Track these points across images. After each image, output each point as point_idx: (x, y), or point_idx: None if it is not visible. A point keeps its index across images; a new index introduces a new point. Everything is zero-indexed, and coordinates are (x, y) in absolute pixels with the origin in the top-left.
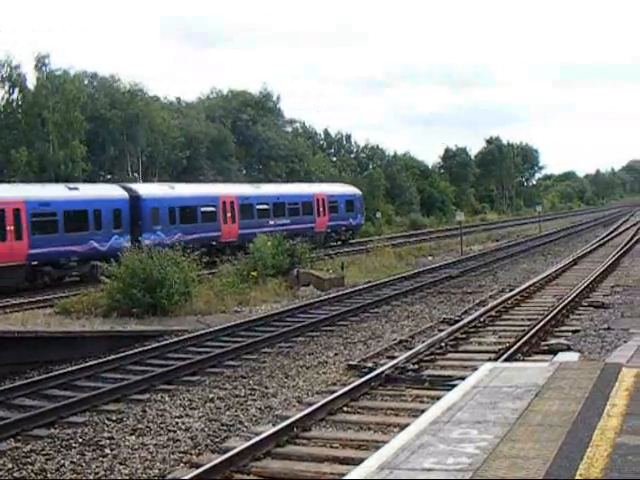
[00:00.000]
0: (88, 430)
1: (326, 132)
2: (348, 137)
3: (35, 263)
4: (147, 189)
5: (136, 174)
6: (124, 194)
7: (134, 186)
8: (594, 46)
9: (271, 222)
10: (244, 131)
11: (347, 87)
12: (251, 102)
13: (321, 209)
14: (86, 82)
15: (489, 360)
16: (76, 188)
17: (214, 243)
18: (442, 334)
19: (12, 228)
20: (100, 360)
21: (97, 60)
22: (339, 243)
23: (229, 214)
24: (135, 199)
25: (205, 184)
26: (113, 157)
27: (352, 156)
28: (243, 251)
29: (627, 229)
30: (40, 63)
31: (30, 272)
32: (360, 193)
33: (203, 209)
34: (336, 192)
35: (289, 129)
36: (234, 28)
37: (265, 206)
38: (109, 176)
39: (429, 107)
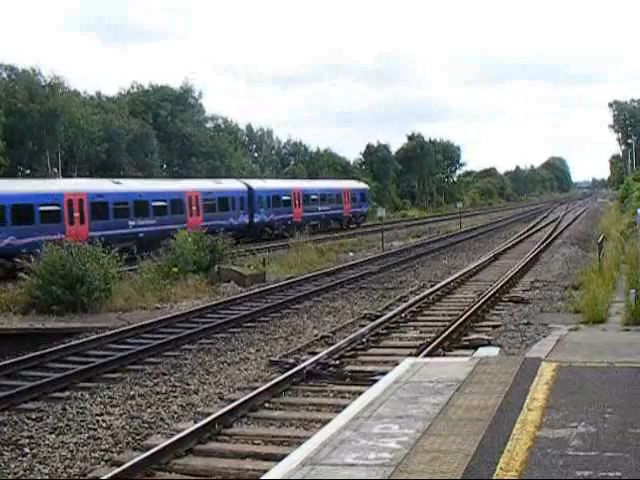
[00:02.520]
0: (7, 429)
1: (249, 128)
2: (269, 133)
3: (205, 231)
4: (256, 183)
5: (55, 169)
6: (244, 187)
7: (247, 181)
8: (514, 44)
9: (319, 208)
10: (164, 127)
11: (269, 84)
12: (171, 97)
13: (347, 199)
14: (4, 75)
15: (410, 355)
16: (220, 182)
17: (289, 222)
18: (363, 330)
19: (195, 208)
20: (19, 358)
21: (16, 53)
22: (355, 225)
23: (297, 201)
24: (250, 189)
25: (282, 180)
26: (32, 152)
27: (273, 152)
28: (304, 228)
29: (546, 225)
30: None
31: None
32: (368, 187)
33: (284, 198)
34: (354, 187)
35: (211, 125)
36: (158, 24)
37: (316, 196)
38: (28, 171)
39: (349, 103)
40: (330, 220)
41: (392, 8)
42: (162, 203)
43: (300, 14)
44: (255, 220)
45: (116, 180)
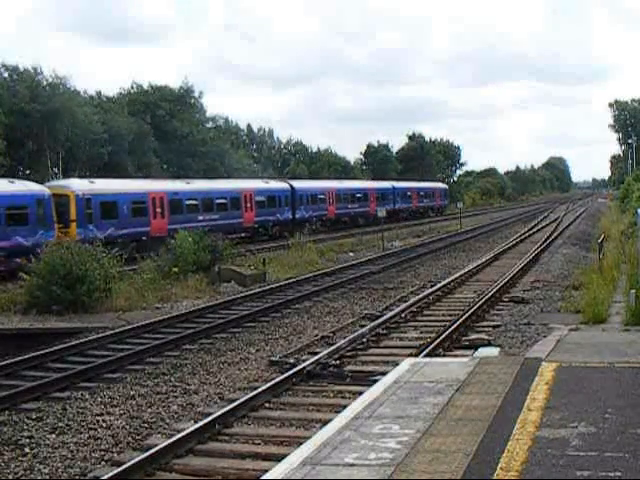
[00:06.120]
0: (7, 429)
1: (249, 128)
2: (270, 133)
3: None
4: (397, 184)
5: (56, 169)
6: (391, 185)
7: (392, 182)
8: (514, 44)
9: (424, 200)
10: (163, 126)
11: (269, 83)
12: (170, 97)
13: (437, 195)
14: (6, 75)
15: (410, 355)
16: (381, 183)
17: (410, 210)
18: (364, 330)
19: (372, 199)
20: (19, 358)
21: (16, 53)
22: (437, 214)
23: (414, 196)
24: (393, 187)
25: (405, 182)
26: (32, 152)
27: (274, 152)
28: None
29: (547, 225)
30: None
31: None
32: (447, 187)
33: (408, 194)
34: (440, 187)
35: (211, 125)
36: (158, 24)
37: (423, 193)
38: (28, 171)
39: (349, 103)
40: (429, 209)
41: (392, 8)
42: (359, 195)
43: (300, 13)
44: (396, 207)
45: (331, 181)
